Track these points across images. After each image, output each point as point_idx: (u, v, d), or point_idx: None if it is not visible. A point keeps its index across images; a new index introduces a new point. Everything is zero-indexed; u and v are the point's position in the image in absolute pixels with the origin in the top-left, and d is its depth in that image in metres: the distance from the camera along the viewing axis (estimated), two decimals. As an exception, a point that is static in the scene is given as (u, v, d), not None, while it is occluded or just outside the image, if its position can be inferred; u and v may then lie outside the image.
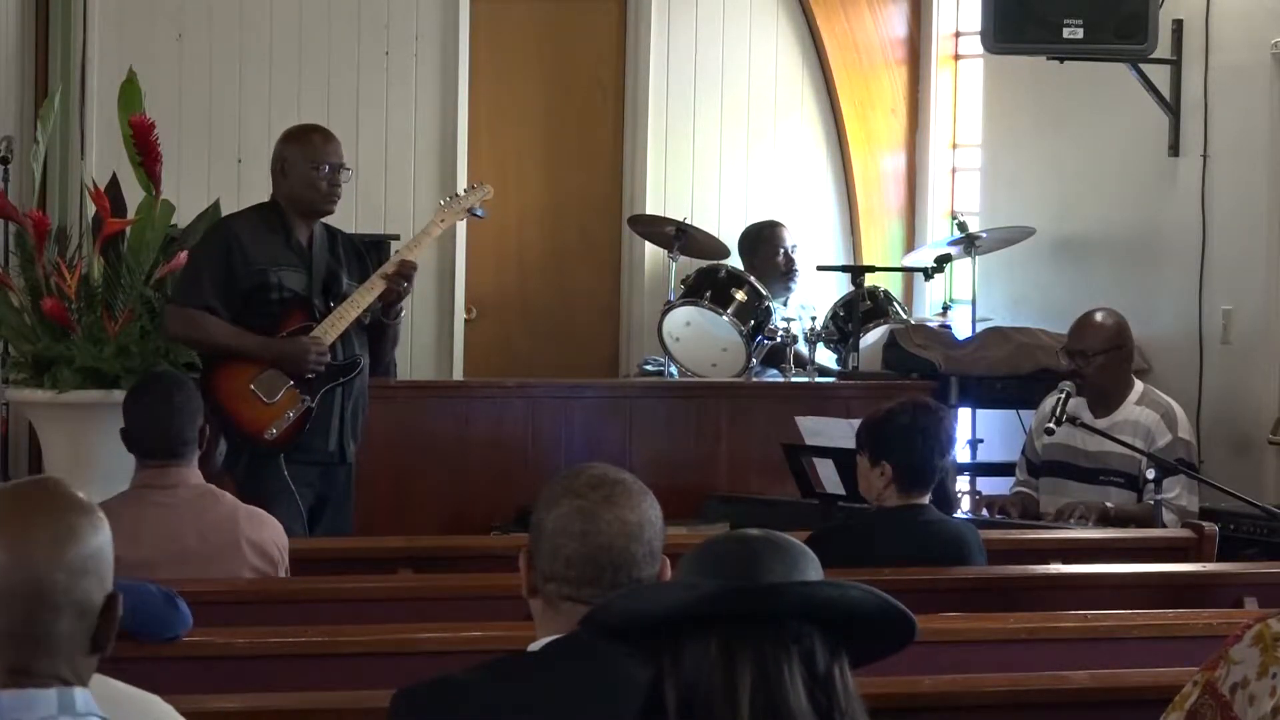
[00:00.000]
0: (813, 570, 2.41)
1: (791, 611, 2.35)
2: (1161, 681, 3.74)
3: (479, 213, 6.74)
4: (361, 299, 6.31)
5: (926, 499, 5.17)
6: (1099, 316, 7.02)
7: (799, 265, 8.99)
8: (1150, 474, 6.46)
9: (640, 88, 9.56)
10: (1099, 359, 6.88)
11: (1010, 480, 7.39)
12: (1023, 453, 7.23)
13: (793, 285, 8.90)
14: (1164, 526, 6.29)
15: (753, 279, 8.41)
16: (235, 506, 5.09)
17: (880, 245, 9.80)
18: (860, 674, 2.44)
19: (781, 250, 8.95)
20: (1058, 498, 6.96)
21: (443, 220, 6.65)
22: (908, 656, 4.20)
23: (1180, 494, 6.67)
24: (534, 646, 2.97)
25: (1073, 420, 6.67)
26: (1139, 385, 7.00)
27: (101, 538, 2.55)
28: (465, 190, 6.88)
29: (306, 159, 6.32)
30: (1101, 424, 6.77)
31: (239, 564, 4.99)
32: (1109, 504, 6.70)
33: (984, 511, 7.01)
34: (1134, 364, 7.18)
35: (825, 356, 8.57)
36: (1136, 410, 6.87)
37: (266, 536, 5.08)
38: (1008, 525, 6.65)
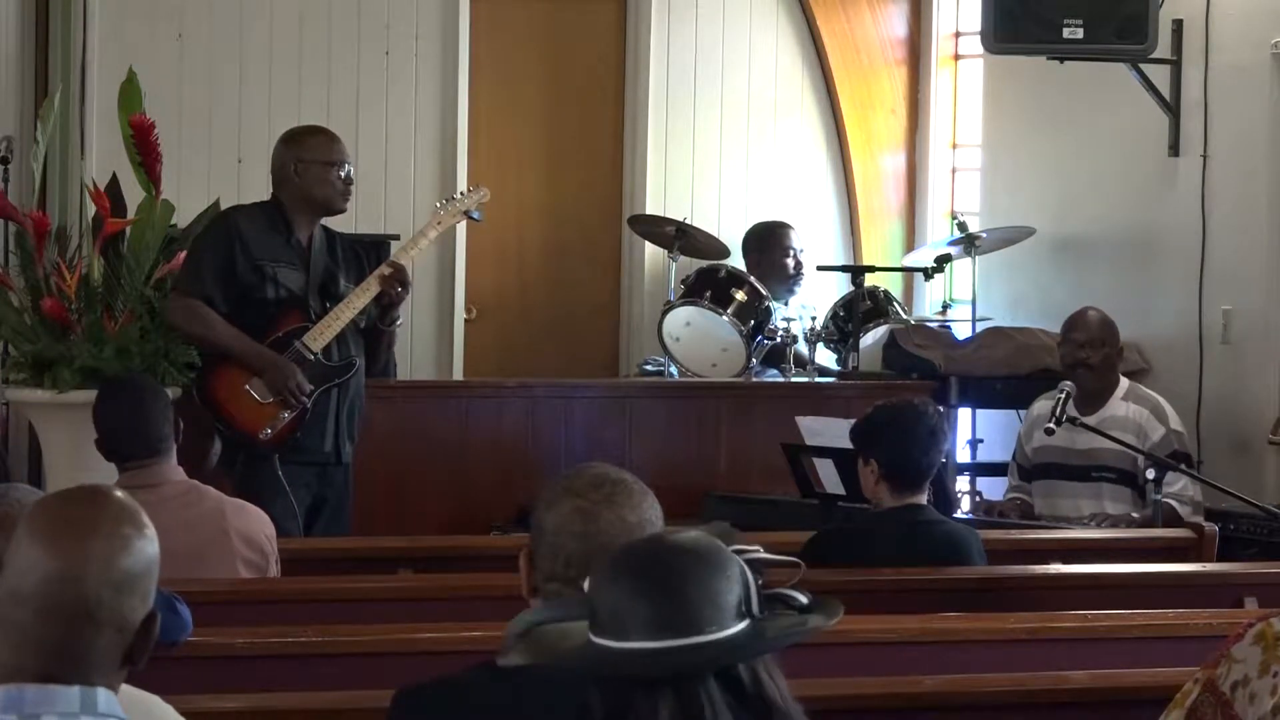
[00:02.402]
0: (731, 574, 2.38)
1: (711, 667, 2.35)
2: (1161, 681, 3.74)
3: (476, 215, 6.74)
4: (356, 301, 6.31)
5: (924, 499, 5.17)
6: (1093, 313, 7.07)
7: (803, 267, 8.99)
8: (1150, 474, 6.46)
9: (640, 88, 9.56)
10: (1104, 350, 6.92)
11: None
12: (1013, 458, 7.24)
13: (796, 288, 8.88)
14: (1162, 525, 6.30)
15: (753, 279, 8.41)
16: (220, 500, 5.10)
17: (880, 245, 9.81)
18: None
19: (791, 252, 8.95)
20: (1053, 499, 6.98)
21: (439, 223, 6.64)
22: (908, 656, 4.23)
23: (1185, 485, 6.69)
24: (534, 646, 2.97)
25: (1070, 420, 6.68)
26: (1125, 382, 7.04)
27: (151, 554, 2.54)
28: (462, 193, 6.88)
29: (323, 159, 6.33)
30: (1091, 421, 6.78)
31: (229, 556, 4.99)
32: (1134, 515, 6.72)
33: (983, 514, 7.02)
34: (1134, 364, 7.21)
35: (825, 356, 8.57)
36: (1124, 406, 6.90)
37: (254, 527, 5.08)
38: (1008, 525, 6.66)
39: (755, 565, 2.44)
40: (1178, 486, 6.64)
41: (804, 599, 2.45)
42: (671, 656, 2.34)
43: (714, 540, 2.43)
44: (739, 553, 2.44)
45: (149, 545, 2.53)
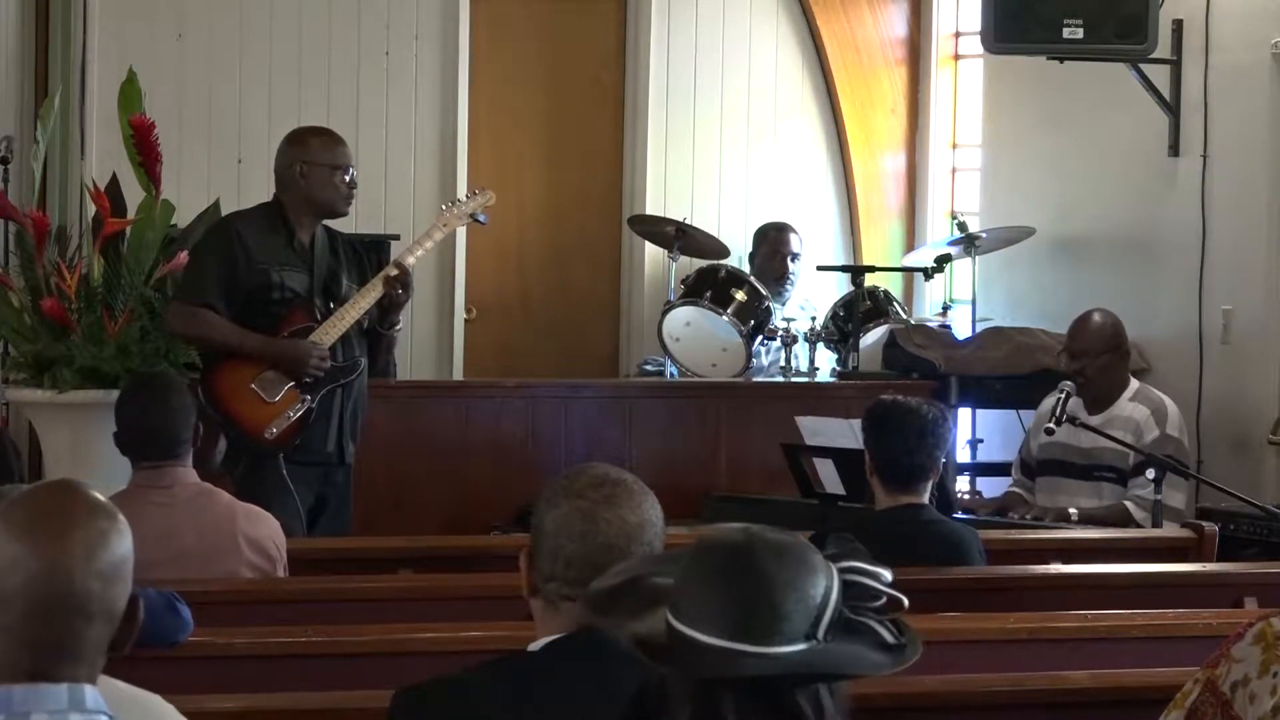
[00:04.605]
0: (808, 592, 2.35)
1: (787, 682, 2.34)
2: (1161, 681, 3.74)
3: (481, 219, 6.73)
4: (361, 301, 6.31)
5: (924, 499, 5.17)
6: (1097, 317, 7.06)
7: (796, 272, 8.97)
8: (1150, 474, 6.45)
9: (640, 88, 9.56)
10: (1102, 359, 6.93)
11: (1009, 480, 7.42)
12: (1019, 453, 7.25)
13: (785, 291, 8.87)
14: (1135, 525, 6.29)
15: (752, 279, 8.41)
16: (232, 505, 5.10)
17: (880, 245, 9.81)
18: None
19: (778, 253, 8.94)
20: (1056, 496, 7.00)
21: (444, 225, 6.63)
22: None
23: (1152, 491, 6.61)
24: (534, 646, 2.97)
25: (1071, 420, 6.69)
26: (1134, 383, 7.05)
27: (128, 542, 2.54)
28: (467, 195, 6.87)
29: (328, 162, 6.31)
30: (1096, 420, 6.80)
31: (236, 561, 4.99)
32: (1072, 511, 6.73)
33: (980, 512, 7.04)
34: (1134, 364, 7.21)
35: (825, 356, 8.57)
36: (1129, 406, 6.92)
37: (264, 533, 5.08)
38: (1008, 525, 6.67)
39: (859, 589, 2.38)
40: (1144, 490, 6.60)
41: (890, 636, 2.39)
42: (711, 656, 2.32)
43: (807, 551, 2.37)
44: (848, 570, 2.38)
45: (124, 538, 2.54)
